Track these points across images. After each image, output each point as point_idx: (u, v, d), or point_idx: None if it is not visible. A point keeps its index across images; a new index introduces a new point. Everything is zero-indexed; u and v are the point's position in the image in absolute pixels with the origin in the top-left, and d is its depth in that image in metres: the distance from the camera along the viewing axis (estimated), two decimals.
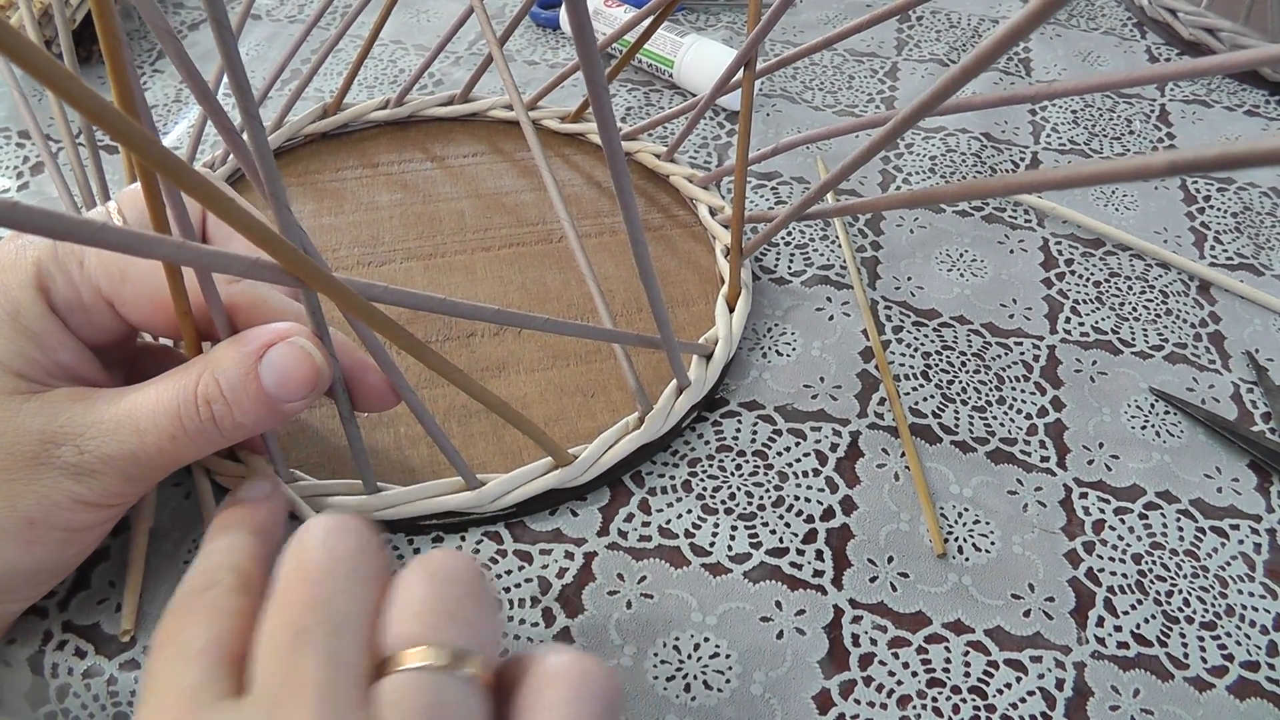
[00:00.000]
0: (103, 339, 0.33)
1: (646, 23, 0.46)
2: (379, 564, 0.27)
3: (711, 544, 0.38)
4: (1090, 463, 0.41)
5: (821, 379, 0.43)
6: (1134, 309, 0.47)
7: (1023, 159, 0.56)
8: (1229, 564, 0.38)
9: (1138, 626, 0.36)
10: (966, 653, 0.35)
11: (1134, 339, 0.46)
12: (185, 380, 0.31)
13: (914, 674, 0.35)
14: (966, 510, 0.39)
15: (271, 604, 0.25)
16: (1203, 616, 0.36)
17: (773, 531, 0.38)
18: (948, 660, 0.35)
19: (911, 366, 0.44)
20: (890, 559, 0.37)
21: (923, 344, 0.45)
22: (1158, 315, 0.47)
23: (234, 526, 0.30)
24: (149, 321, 0.33)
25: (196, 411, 0.30)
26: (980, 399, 0.43)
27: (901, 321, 0.46)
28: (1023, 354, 0.45)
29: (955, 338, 0.45)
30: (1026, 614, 0.36)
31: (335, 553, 0.26)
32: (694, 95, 0.59)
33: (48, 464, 0.29)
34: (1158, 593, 0.37)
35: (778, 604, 0.36)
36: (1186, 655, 0.35)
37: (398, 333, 0.27)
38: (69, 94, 0.18)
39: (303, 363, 0.31)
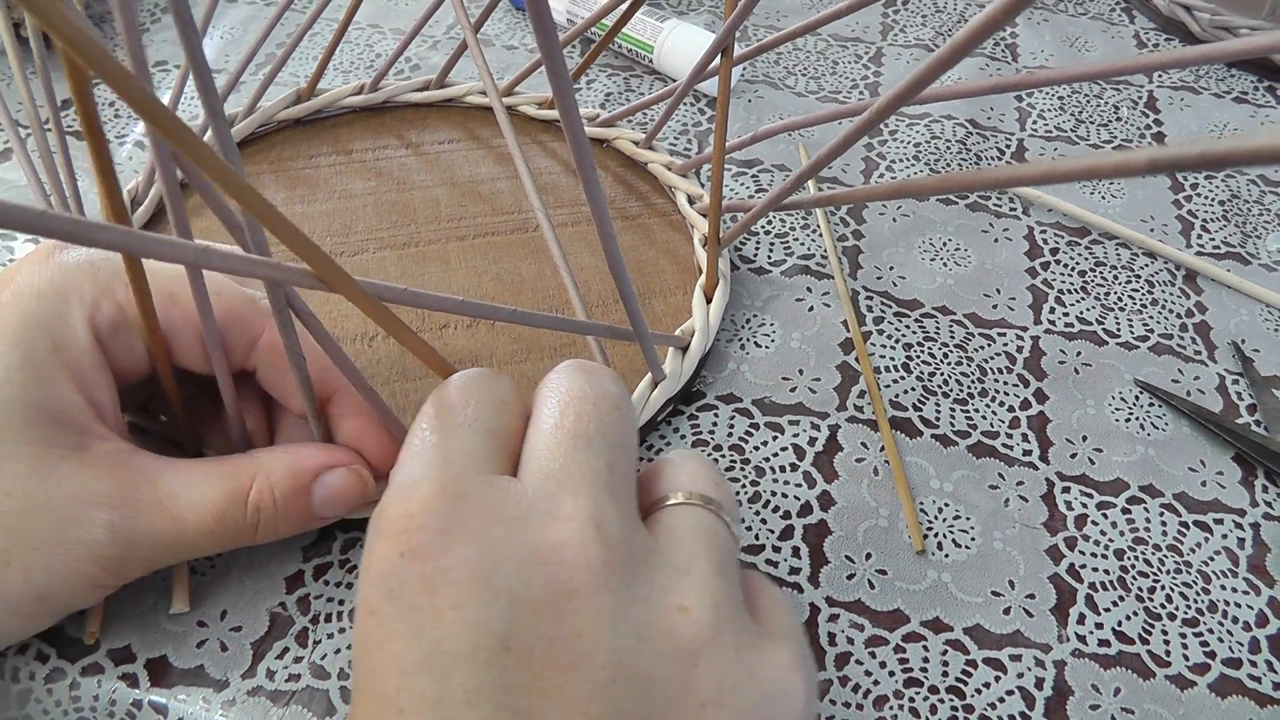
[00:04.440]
0: (136, 370, 0.32)
1: (624, 6, 0.45)
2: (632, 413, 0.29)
3: None
4: (1073, 456, 0.40)
5: (800, 371, 0.43)
6: (1119, 299, 0.47)
7: (1008, 146, 0.55)
8: (1212, 559, 0.37)
9: (1119, 624, 0.35)
10: (945, 651, 0.35)
11: (1119, 330, 0.45)
12: (235, 482, 0.31)
13: (891, 673, 0.34)
14: (947, 505, 0.38)
15: (546, 417, 0.27)
16: (1185, 613, 0.36)
17: (749, 528, 0.37)
18: (925, 659, 0.34)
19: (892, 358, 0.43)
20: (868, 555, 0.37)
21: (904, 335, 0.44)
22: (1143, 305, 0.46)
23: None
24: (192, 353, 0.32)
25: (243, 515, 0.30)
26: (962, 391, 0.42)
27: (883, 312, 0.45)
28: (1006, 345, 0.44)
29: (937, 329, 0.45)
30: (1006, 611, 0.36)
31: (604, 389, 0.28)
32: (674, 81, 0.58)
33: (72, 536, 0.28)
34: (1140, 589, 0.36)
35: None
36: (1168, 653, 0.35)
37: (399, 328, 0.27)
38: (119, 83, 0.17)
39: (355, 490, 0.33)
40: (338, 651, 0.33)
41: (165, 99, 0.55)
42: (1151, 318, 0.46)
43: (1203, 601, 0.36)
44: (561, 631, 0.23)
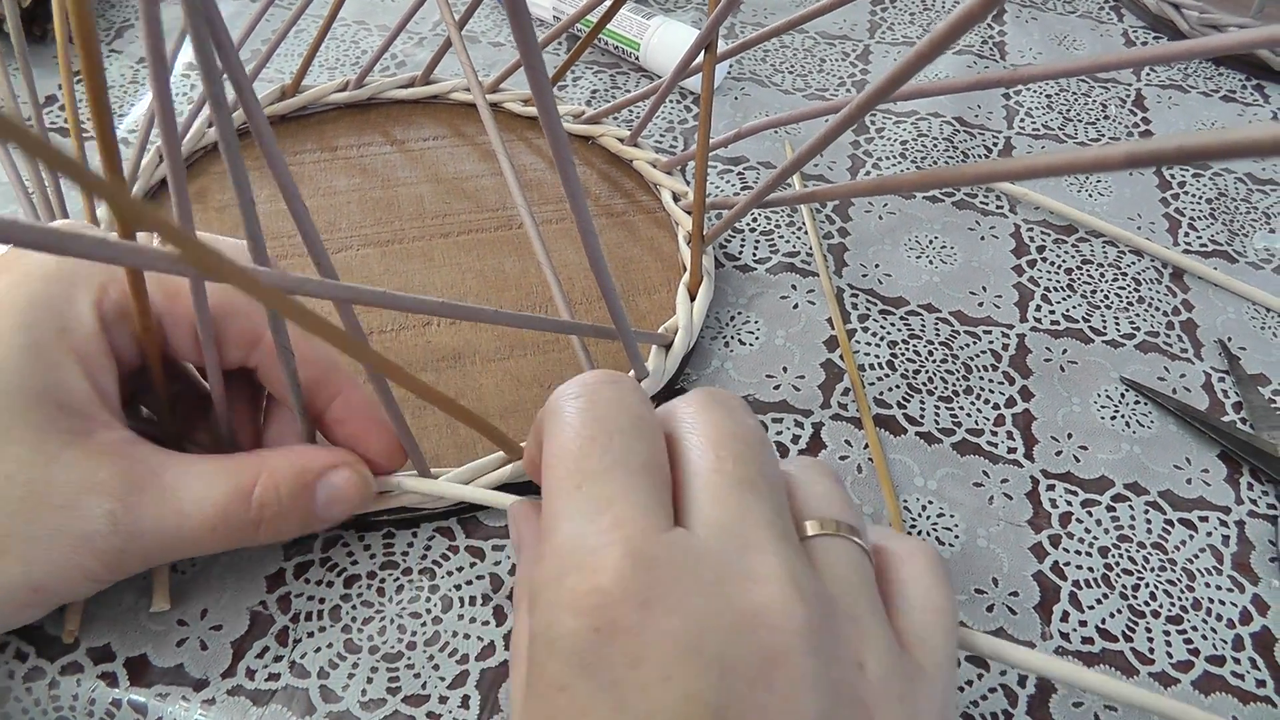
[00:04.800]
0: (135, 361, 0.31)
1: (608, 3, 0.45)
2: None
3: None
4: (1058, 454, 0.40)
5: (784, 369, 0.42)
6: (1106, 297, 0.47)
7: (996, 144, 0.55)
8: (1197, 556, 0.37)
9: (1103, 621, 0.35)
10: None
11: (1105, 327, 0.45)
12: (240, 478, 0.30)
13: None
14: (931, 503, 0.38)
15: (700, 458, 0.26)
16: (1169, 610, 0.36)
17: None
18: None
19: (877, 356, 0.43)
20: None
21: (889, 333, 0.44)
22: (1130, 303, 0.46)
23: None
24: (192, 346, 0.32)
25: (247, 511, 0.30)
26: (947, 389, 0.42)
27: (868, 310, 0.45)
28: (991, 343, 0.44)
29: (923, 326, 0.45)
30: (990, 609, 0.35)
31: (750, 424, 0.27)
32: (660, 78, 0.58)
33: (72, 527, 0.28)
34: (1124, 586, 0.36)
35: None
36: (1152, 650, 0.35)
37: (329, 330, 0.26)
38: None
39: (358, 490, 0.33)
40: (318, 650, 0.33)
41: (151, 96, 0.55)
42: (1138, 315, 0.46)
43: (1187, 599, 0.36)
44: (774, 699, 0.22)
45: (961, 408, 0.42)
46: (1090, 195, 0.52)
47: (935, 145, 0.54)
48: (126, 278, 0.28)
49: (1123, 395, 0.43)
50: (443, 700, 0.32)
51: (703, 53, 0.38)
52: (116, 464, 0.28)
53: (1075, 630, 0.35)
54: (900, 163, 0.53)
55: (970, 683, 0.34)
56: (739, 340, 0.43)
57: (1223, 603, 0.36)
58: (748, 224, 0.49)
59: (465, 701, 0.32)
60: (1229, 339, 0.45)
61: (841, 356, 0.43)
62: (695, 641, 0.22)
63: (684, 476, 0.26)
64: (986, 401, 0.42)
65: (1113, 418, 0.42)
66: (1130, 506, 0.39)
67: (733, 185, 0.51)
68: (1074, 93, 0.59)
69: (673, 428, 0.27)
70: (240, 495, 0.30)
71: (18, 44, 0.40)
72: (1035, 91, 0.59)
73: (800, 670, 0.22)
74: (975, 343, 0.44)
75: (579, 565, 0.23)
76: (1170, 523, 0.38)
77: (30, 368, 0.28)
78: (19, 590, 0.28)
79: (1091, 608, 0.36)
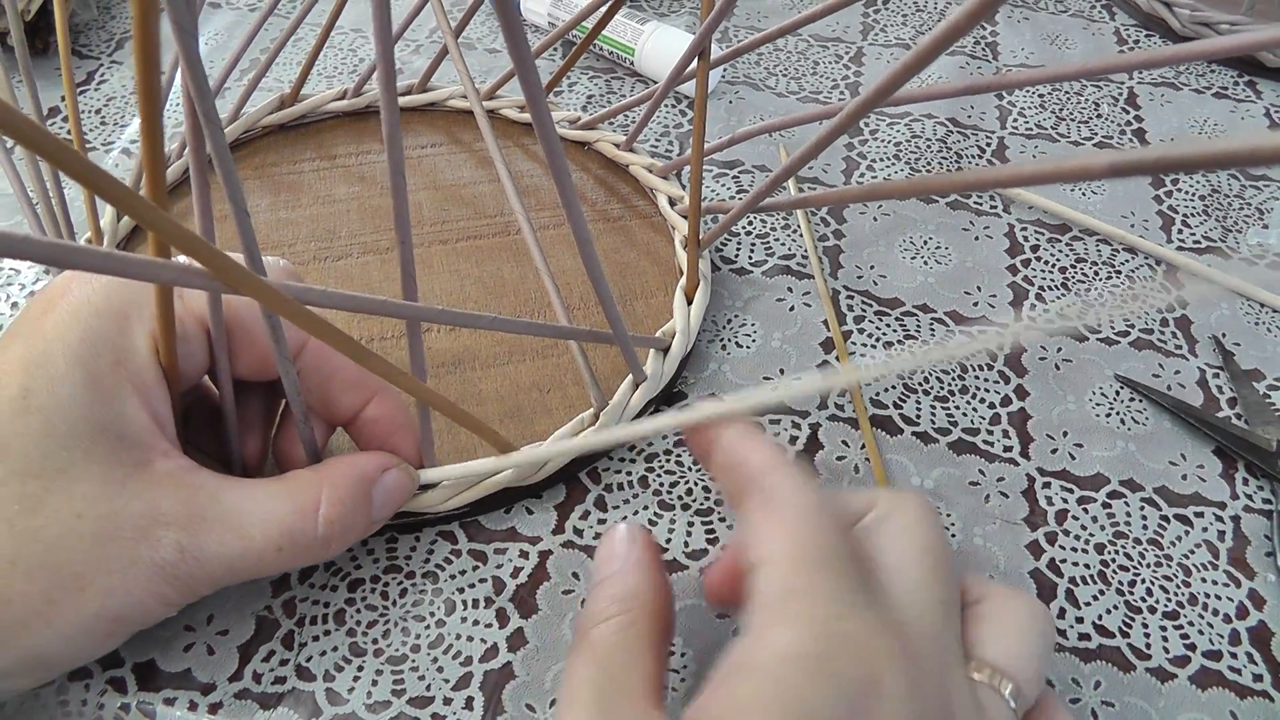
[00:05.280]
0: (187, 385, 0.32)
1: (603, 9, 0.45)
2: None
3: (669, 541, 0.37)
4: (1054, 452, 0.41)
5: (781, 371, 0.43)
6: (1100, 295, 0.47)
7: (989, 144, 0.55)
8: (1192, 552, 0.38)
9: (1099, 617, 0.36)
10: None
11: (1099, 325, 0.46)
12: (303, 497, 0.30)
13: None
14: None
15: (915, 577, 0.27)
16: (1165, 606, 0.36)
17: (730, 527, 0.38)
18: None
19: (873, 357, 0.44)
20: None
21: (885, 334, 0.45)
22: (1124, 301, 0.47)
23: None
24: (258, 369, 0.32)
25: (313, 529, 0.30)
26: (943, 389, 0.43)
27: (864, 311, 0.46)
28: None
29: (918, 326, 0.45)
30: None
31: (945, 535, 0.29)
32: (655, 83, 0.58)
33: (144, 557, 0.28)
34: (1120, 583, 0.37)
35: None
36: (1149, 645, 0.35)
37: (334, 335, 0.27)
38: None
39: (407, 489, 0.34)
40: (323, 654, 0.34)
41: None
42: (1132, 313, 0.46)
43: (1183, 594, 0.37)
44: None
45: (957, 407, 0.42)
46: (1084, 194, 0.52)
47: (929, 146, 0.55)
48: (156, 297, 0.28)
49: (1118, 392, 0.43)
50: (447, 702, 0.33)
51: (697, 58, 0.39)
52: (178, 493, 0.29)
53: (1072, 626, 0.35)
54: (894, 164, 0.54)
55: None
56: (736, 343, 0.44)
57: (1219, 598, 0.36)
58: (743, 227, 0.49)
59: (469, 703, 0.33)
60: (1223, 335, 0.45)
61: (838, 358, 0.43)
62: None
63: (900, 587, 0.27)
64: (982, 401, 0.42)
65: (1108, 415, 0.42)
66: (1126, 503, 0.39)
67: (728, 189, 0.52)
68: (1067, 92, 0.59)
69: (890, 521, 0.29)
70: (304, 515, 0.30)
71: (21, 57, 0.40)
72: (1028, 91, 0.59)
73: None
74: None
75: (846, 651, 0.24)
76: (1166, 519, 0.39)
77: (90, 402, 0.28)
78: (102, 622, 0.28)
79: (1088, 604, 0.36)
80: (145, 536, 0.28)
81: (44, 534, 0.27)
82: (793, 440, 0.40)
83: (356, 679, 0.33)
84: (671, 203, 0.48)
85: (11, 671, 0.28)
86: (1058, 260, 0.49)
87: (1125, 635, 0.35)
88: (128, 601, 0.28)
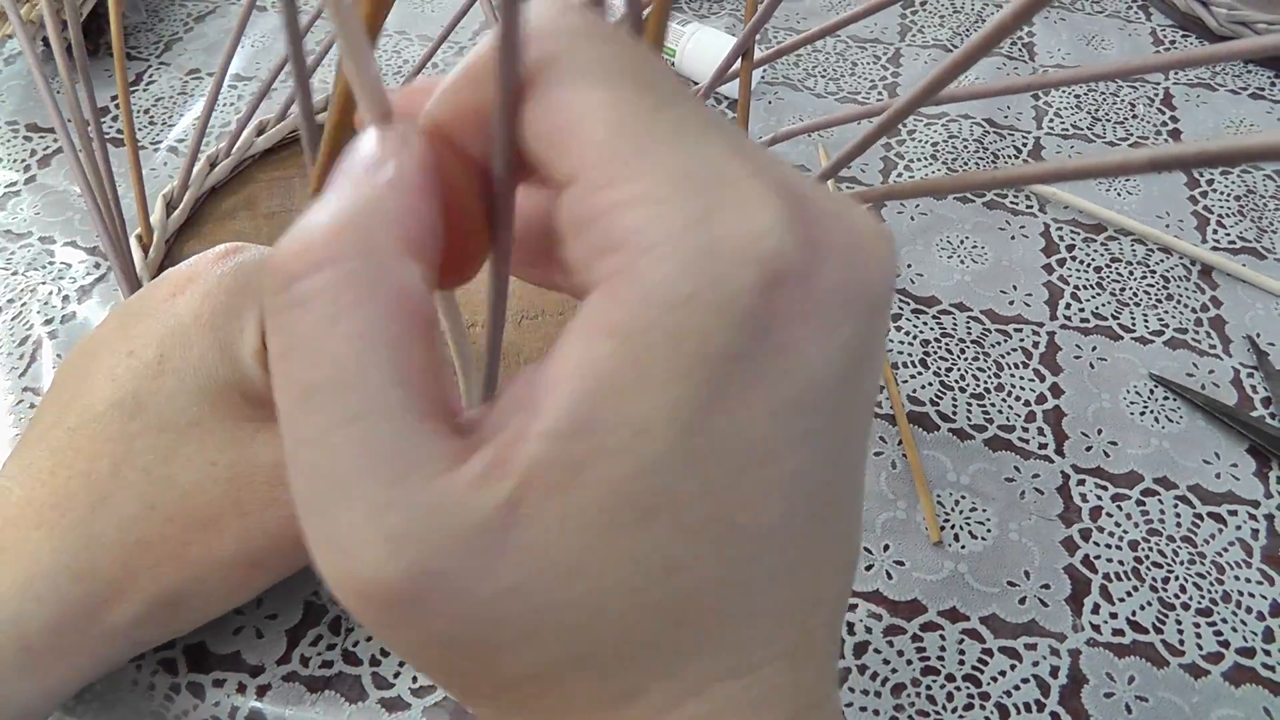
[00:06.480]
0: None
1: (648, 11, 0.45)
2: None
3: None
4: (1088, 449, 0.41)
5: None
6: (1134, 294, 0.47)
7: (1025, 144, 0.56)
8: (1226, 550, 0.38)
9: (1133, 613, 0.36)
10: (961, 640, 0.35)
11: (1134, 324, 0.46)
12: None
13: (909, 662, 0.35)
14: (964, 498, 0.39)
15: None
16: (1199, 603, 0.36)
17: None
18: (942, 648, 0.35)
19: (910, 354, 0.44)
20: (886, 546, 0.38)
21: (921, 331, 0.45)
22: (1158, 300, 0.47)
23: None
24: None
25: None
26: (979, 386, 0.43)
27: (900, 309, 0.46)
28: (1022, 340, 0.45)
29: (954, 325, 0.45)
30: (1022, 601, 0.36)
31: None
32: (696, 84, 0.59)
33: (282, 498, 0.29)
34: (1154, 579, 0.37)
35: None
36: (1182, 642, 0.35)
37: None
38: None
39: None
40: (369, 639, 0.34)
41: (199, 106, 0.57)
42: (1166, 312, 0.46)
43: (1216, 592, 0.37)
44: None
45: (993, 404, 0.42)
46: (1119, 194, 0.53)
47: (966, 146, 0.55)
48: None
49: (1151, 391, 0.43)
50: None
51: (740, 58, 0.39)
52: None
53: (1106, 622, 0.36)
54: (931, 164, 0.54)
55: (1003, 673, 0.34)
56: None
57: (1252, 595, 0.37)
58: None
59: None
60: (1257, 335, 0.45)
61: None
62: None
63: None
64: (1017, 398, 0.43)
65: (1142, 413, 0.42)
66: (1160, 500, 0.39)
67: None
68: (1102, 93, 0.60)
69: None
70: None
71: (79, 57, 0.41)
72: (1064, 92, 0.60)
73: None
74: (1006, 340, 0.45)
75: (729, 203, 0.15)
76: (1199, 516, 0.39)
77: (219, 362, 0.30)
78: (236, 566, 0.30)
79: (1122, 600, 0.36)
80: (281, 480, 0.29)
81: (180, 479, 0.29)
82: None
83: (402, 664, 0.34)
84: None
85: (146, 619, 0.29)
86: (1093, 260, 0.49)
87: (1159, 631, 0.36)
88: (263, 545, 0.29)
